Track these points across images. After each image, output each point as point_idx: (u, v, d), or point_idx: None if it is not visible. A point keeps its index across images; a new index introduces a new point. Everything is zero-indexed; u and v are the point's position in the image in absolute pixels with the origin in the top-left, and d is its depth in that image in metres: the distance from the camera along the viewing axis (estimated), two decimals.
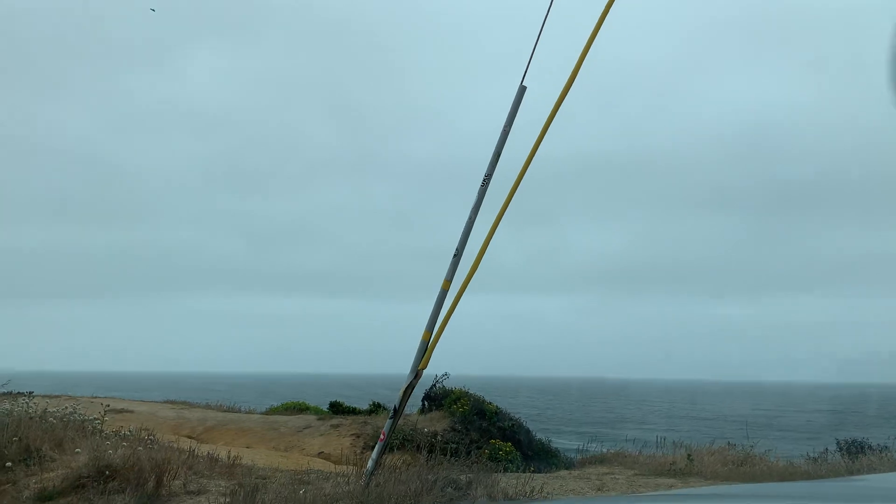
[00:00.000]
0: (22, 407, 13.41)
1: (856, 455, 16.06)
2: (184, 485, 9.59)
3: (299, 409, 23.47)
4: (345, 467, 12.43)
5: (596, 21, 9.49)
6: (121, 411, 19.18)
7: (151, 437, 12.42)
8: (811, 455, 17.56)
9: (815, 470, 14.20)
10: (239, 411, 23.03)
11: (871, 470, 13.32)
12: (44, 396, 19.67)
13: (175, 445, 11.95)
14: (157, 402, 24.81)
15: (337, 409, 22.51)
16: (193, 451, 11.53)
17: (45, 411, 13.61)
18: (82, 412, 15.08)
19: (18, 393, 19.20)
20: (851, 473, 12.69)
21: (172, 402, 24.60)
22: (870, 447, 16.85)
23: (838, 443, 17.84)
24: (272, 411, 23.49)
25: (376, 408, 21.96)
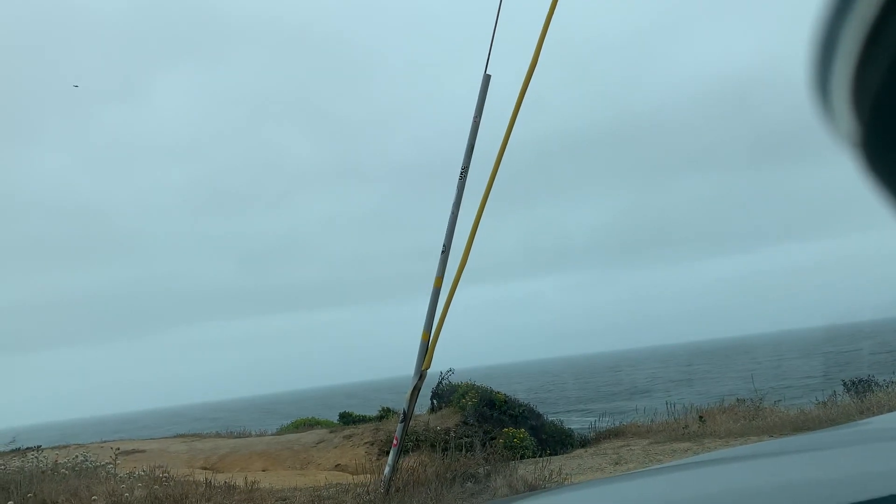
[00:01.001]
0: (32, 462, 13.33)
1: (863, 394, 16.23)
2: None
3: (310, 424, 23.43)
4: (363, 477, 12.41)
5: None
6: (132, 452, 19.04)
7: (166, 474, 12.34)
8: (820, 400, 17.72)
9: (826, 414, 14.33)
10: (250, 435, 22.95)
11: (881, 407, 13.47)
12: (52, 448, 19.50)
13: (191, 479, 11.90)
14: (166, 437, 24.67)
15: (347, 419, 22.49)
16: (210, 481, 11.48)
17: (55, 463, 13.54)
18: (93, 459, 15.00)
19: (26, 448, 19.05)
20: (862, 413, 12.81)
21: (182, 436, 24.47)
22: (876, 384, 17.02)
23: (845, 384, 18.01)
24: (283, 431, 23.42)
25: (386, 413, 21.95)
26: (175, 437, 24.83)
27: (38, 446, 19.40)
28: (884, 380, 17.23)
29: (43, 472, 12.20)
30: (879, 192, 0.69)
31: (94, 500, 10.71)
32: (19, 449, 19.03)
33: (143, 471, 12.94)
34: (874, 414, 9.51)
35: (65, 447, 20.16)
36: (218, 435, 24.33)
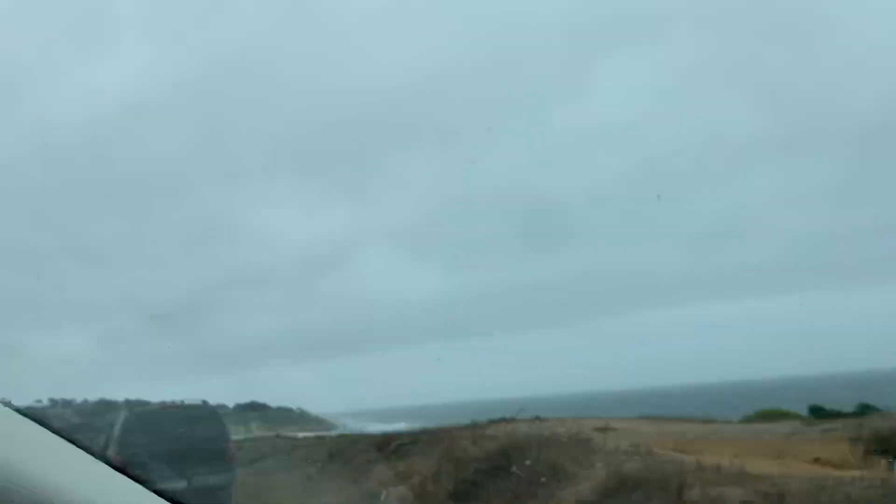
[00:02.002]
0: (535, 430, 15.41)
1: None
2: (702, 494, 9.98)
3: (779, 416, 22.54)
4: (851, 473, 11.64)
5: None
6: (603, 429, 20.49)
7: (649, 452, 13.18)
8: None
9: None
10: (715, 422, 22.91)
11: None
12: (528, 421, 21.45)
13: (672, 459, 12.49)
14: (630, 418, 25.72)
15: (819, 413, 21.17)
16: (699, 464, 11.88)
17: (552, 433, 15.42)
18: (575, 431, 16.61)
19: (503, 419, 20.85)
20: None
21: (647, 418, 25.40)
22: None
23: None
24: (747, 420, 22.92)
25: (864, 409, 20.15)
26: (640, 418, 25.83)
27: (536, 417, 21.72)
28: None
29: (547, 439, 14.05)
30: None
31: (593, 467, 12.03)
32: (503, 419, 21.20)
33: (628, 446, 13.96)
34: None
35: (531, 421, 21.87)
36: (683, 419, 24.40)
